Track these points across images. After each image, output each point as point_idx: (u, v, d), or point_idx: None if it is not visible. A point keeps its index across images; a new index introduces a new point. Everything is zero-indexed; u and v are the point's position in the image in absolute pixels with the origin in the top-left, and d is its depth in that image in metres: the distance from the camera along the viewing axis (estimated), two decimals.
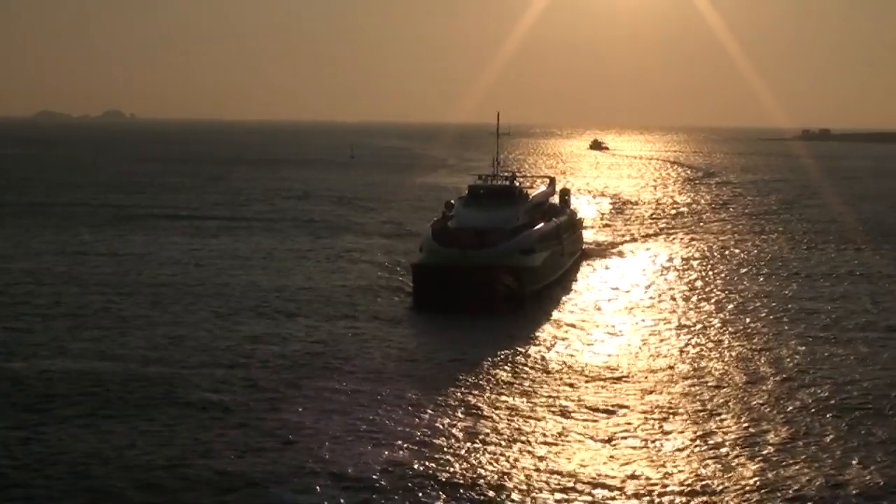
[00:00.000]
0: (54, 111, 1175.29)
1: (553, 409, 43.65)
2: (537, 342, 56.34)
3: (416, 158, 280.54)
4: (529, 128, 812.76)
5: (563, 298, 69.87)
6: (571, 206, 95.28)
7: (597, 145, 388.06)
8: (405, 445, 37.95)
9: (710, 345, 56.04)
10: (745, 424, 41.64)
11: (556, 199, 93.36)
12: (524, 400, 44.88)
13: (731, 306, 67.18)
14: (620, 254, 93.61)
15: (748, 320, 62.58)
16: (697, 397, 45.68)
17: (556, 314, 64.22)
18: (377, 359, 51.44)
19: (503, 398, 44.98)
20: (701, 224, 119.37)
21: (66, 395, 43.92)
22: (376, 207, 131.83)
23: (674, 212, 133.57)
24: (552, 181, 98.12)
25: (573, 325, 61.00)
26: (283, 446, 37.78)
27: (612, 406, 44.24)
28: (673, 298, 70.07)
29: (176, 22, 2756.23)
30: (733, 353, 53.95)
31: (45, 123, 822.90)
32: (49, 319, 59.02)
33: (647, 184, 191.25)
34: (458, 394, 45.34)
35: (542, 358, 52.60)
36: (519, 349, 54.19)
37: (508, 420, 41.85)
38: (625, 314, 64.82)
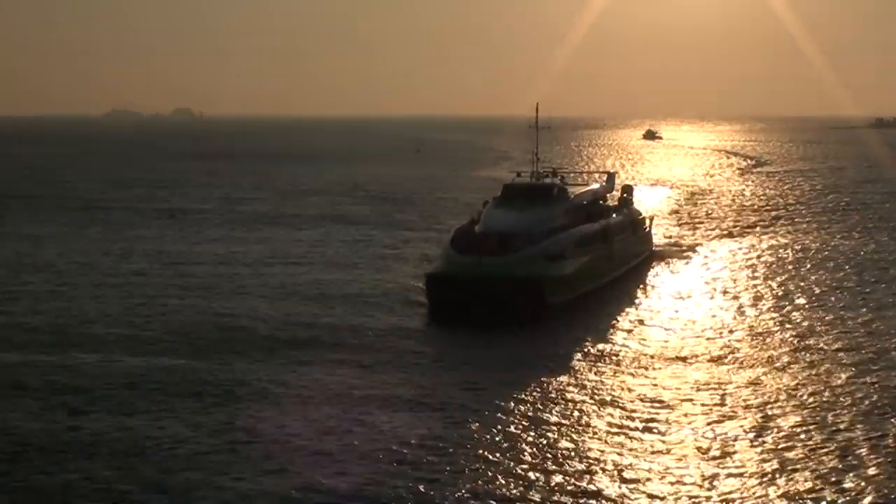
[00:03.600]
0: (127, 109, 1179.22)
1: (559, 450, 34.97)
2: (544, 365, 46.70)
3: (480, 152, 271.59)
4: (593, 119, 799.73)
5: (603, 311, 59.05)
6: (634, 204, 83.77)
7: (650, 135, 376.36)
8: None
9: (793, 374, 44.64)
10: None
11: (614, 197, 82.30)
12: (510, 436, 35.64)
13: (819, 327, 54.67)
14: (691, 256, 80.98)
15: (839, 343, 51.00)
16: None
17: (582, 332, 53.55)
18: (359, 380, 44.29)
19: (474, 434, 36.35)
20: (774, 220, 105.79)
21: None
22: (425, 204, 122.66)
23: (747, 206, 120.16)
24: (611, 177, 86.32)
25: (601, 346, 50.33)
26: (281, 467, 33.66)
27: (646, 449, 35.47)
28: (740, 311, 58.69)
29: (245, 20, 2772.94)
30: (825, 391, 42.62)
31: (116, 122, 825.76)
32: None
33: (708, 175, 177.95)
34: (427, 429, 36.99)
35: (543, 387, 42.96)
36: (522, 372, 45.67)
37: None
38: (666, 332, 53.72)
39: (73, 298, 62.27)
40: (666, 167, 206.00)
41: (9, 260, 77.21)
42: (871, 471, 33.21)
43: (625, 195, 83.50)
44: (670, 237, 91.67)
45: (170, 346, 50.43)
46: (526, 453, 35.23)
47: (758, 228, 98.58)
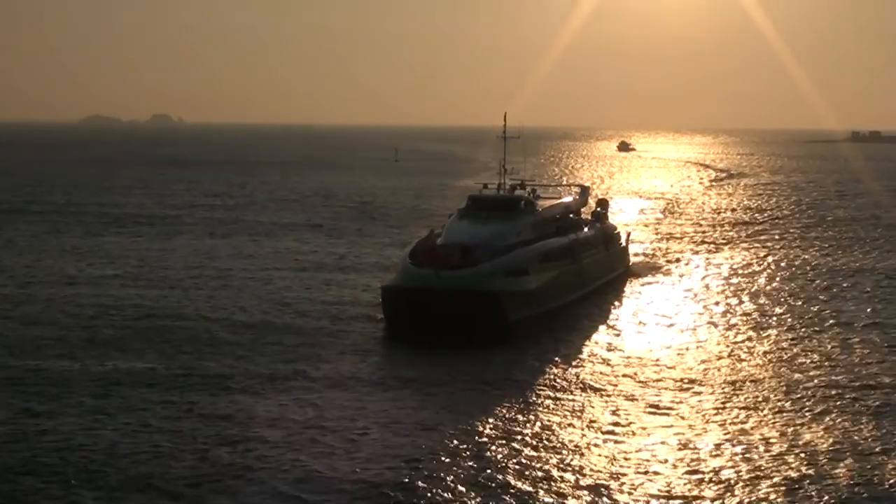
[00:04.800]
0: (104, 115, 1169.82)
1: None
2: (500, 385, 44.34)
3: (459, 162, 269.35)
4: (567, 130, 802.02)
5: (567, 328, 56.71)
6: (609, 219, 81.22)
7: (625, 147, 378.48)
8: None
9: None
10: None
11: (589, 211, 79.97)
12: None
13: (790, 346, 52.90)
14: (668, 271, 78.37)
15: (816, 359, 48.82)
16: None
17: (543, 350, 51.23)
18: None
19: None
20: (750, 235, 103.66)
21: None
22: (398, 215, 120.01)
23: (723, 220, 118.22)
24: (585, 190, 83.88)
25: (562, 365, 48.10)
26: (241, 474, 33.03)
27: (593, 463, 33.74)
28: (710, 329, 56.39)
29: (223, 26, 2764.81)
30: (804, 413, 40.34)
31: (94, 128, 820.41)
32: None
33: (684, 187, 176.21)
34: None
35: (495, 409, 40.64)
36: (478, 391, 43.50)
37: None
38: (630, 347, 51.93)
39: (46, 301, 61.27)
40: (642, 179, 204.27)
41: None
42: (840, 478, 33.45)
43: (599, 209, 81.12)
44: (647, 252, 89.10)
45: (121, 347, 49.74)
46: (484, 475, 33.10)
47: (734, 243, 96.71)
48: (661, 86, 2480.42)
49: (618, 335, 55.00)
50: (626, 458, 34.90)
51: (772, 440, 36.98)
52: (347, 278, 72.09)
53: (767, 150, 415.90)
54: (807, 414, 40.38)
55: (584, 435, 37.42)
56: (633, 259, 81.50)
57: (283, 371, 46.23)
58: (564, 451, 35.62)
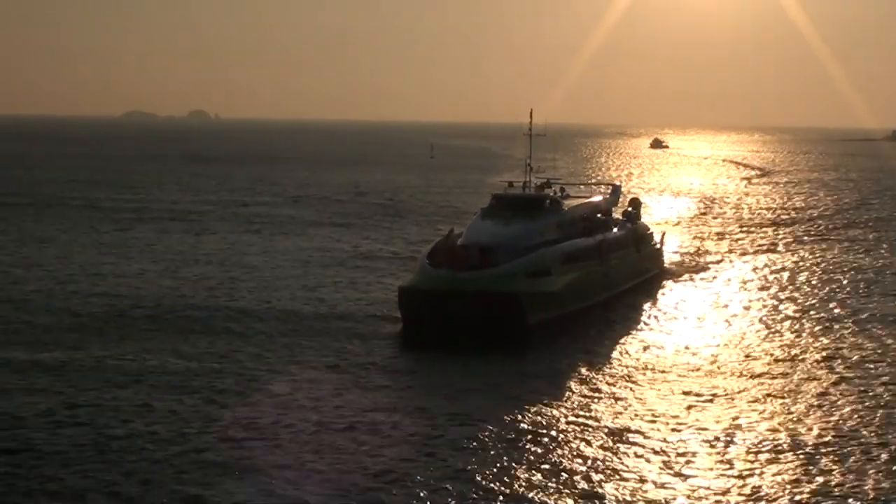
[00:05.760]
0: (143, 111, 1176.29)
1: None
2: (517, 391, 42.28)
3: (494, 158, 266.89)
4: (599, 128, 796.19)
5: (589, 332, 54.32)
6: (641, 219, 78.27)
7: (658, 144, 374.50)
8: None
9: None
10: None
11: (619, 210, 77.54)
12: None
13: (838, 351, 50.19)
14: (703, 274, 75.01)
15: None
16: None
17: (563, 354, 49.22)
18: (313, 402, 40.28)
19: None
20: (789, 236, 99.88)
21: None
22: (430, 212, 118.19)
23: (761, 220, 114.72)
24: (616, 189, 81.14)
25: (582, 370, 45.94)
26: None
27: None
28: (742, 335, 53.71)
29: (261, 22, 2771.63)
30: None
31: (133, 123, 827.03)
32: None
33: (719, 186, 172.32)
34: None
35: (507, 417, 38.52)
36: (489, 394, 41.75)
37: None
38: (655, 354, 49.32)
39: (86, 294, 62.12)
40: (677, 177, 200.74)
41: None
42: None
43: (630, 208, 78.42)
44: (683, 253, 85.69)
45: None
46: (493, 482, 31.27)
47: (773, 244, 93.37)
48: (695, 85, 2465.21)
49: (643, 341, 52.51)
50: (644, 477, 32.71)
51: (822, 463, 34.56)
52: (373, 276, 70.52)
53: (805, 148, 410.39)
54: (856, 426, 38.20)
55: (600, 447, 35.26)
56: (667, 260, 78.72)
57: (293, 368, 45.15)
58: (577, 464, 33.63)
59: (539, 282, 55.65)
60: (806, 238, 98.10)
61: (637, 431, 36.76)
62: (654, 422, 38.01)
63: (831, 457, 34.54)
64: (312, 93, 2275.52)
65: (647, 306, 62.30)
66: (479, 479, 32.01)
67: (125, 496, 30.61)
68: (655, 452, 34.60)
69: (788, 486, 31.95)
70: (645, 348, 50.23)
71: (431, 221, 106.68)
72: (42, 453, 34.04)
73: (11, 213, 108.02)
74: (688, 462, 33.90)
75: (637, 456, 34.30)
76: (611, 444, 35.57)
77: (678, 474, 32.76)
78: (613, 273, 64.90)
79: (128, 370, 44.54)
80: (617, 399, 41.37)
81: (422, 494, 30.80)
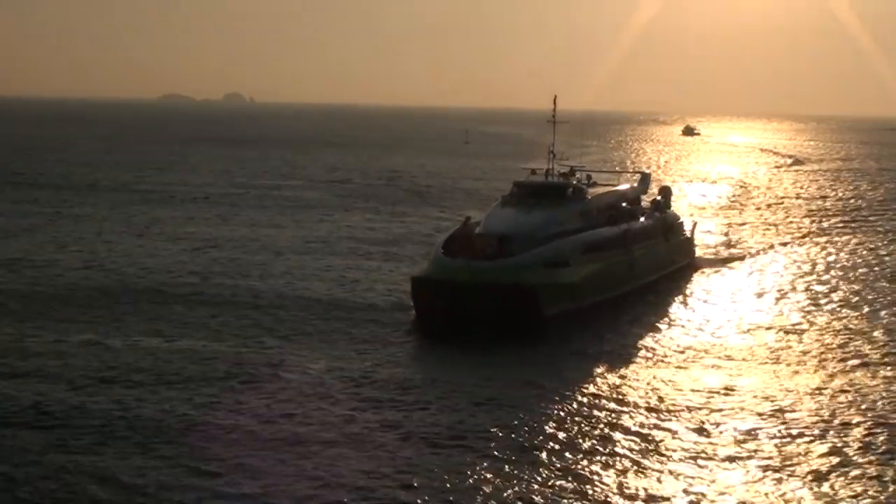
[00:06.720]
0: (180, 94, 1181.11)
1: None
2: (529, 386, 40.88)
3: (527, 145, 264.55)
4: (633, 115, 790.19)
5: (607, 326, 52.22)
6: (671, 208, 75.64)
7: (689, 131, 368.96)
8: None
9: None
10: None
11: (648, 199, 76.04)
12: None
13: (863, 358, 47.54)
14: (736, 266, 72.74)
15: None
16: None
17: (579, 348, 47.59)
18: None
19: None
20: (822, 228, 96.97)
21: None
22: (461, 198, 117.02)
23: (797, 210, 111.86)
24: (645, 177, 78.80)
25: (595, 365, 44.36)
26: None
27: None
28: (773, 330, 51.88)
29: (296, 5, 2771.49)
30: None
31: (170, 106, 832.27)
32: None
33: (753, 175, 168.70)
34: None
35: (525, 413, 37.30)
36: (498, 388, 40.39)
37: None
38: (677, 349, 47.62)
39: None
40: (709, 165, 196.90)
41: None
42: None
43: (660, 197, 75.86)
44: (716, 243, 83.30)
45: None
46: (502, 483, 30.20)
47: (809, 234, 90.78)
48: (731, 73, 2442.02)
49: (666, 335, 50.58)
50: (657, 481, 31.50)
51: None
52: (398, 263, 69.49)
53: (842, 136, 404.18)
54: None
55: (613, 452, 33.78)
56: (698, 251, 76.73)
57: (298, 359, 44.26)
58: (593, 466, 32.52)
59: (556, 273, 54.02)
60: (843, 228, 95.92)
61: (643, 441, 35.08)
62: (677, 419, 36.88)
63: (868, 451, 33.76)
64: (347, 77, 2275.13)
65: (672, 299, 60.39)
66: (496, 469, 31.25)
67: (151, 477, 30.70)
68: (684, 450, 33.64)
69: (822, 480, 31.43)
70: (660, 347, 48.03)
71: (463, 208, 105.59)
72: (73, 427, 34.79)
73: (44, 194, 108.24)
74: (714, 459, 32.99)
75: (660, 453, 33.41)
76: (633, 440, 34.61)
77: (705, 470, 32.04)
78: (639, 264, 63.16)
79: (150, 349, 44.98)
80: (626, 402, 39.50)
81: (439, 486, 30.08)
